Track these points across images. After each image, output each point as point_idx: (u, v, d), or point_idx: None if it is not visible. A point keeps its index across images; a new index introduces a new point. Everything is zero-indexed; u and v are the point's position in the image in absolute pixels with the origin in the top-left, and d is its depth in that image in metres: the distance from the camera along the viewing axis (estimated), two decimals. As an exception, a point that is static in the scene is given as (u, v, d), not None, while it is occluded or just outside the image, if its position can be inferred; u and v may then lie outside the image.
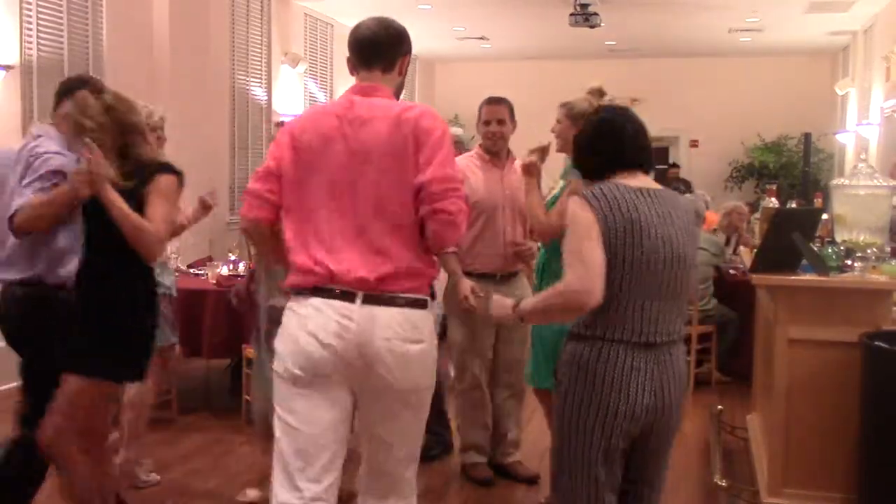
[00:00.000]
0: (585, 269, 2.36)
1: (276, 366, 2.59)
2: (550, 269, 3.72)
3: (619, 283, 2.40)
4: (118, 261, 3.09)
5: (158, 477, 4.36)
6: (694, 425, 5.40)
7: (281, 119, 9.53)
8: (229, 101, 9.13)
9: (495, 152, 4.35)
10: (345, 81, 10.93)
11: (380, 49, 2.69)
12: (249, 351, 5.20)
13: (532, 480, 4.46)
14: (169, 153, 7.18)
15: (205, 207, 4.34)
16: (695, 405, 5.84)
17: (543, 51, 13.86)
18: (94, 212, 3.07)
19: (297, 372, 2.53)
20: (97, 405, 3.21)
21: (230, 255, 6.32)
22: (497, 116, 4.32)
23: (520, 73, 14.35)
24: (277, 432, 2.58)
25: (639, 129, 2.60)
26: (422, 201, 2.51)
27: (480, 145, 4.42)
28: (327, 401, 2.55)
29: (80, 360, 3.09)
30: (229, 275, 5.69)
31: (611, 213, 2.40)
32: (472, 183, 4.22)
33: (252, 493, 4.12)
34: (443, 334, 4.34)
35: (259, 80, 9.78)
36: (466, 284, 3.77)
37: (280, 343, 2.59)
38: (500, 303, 2.67)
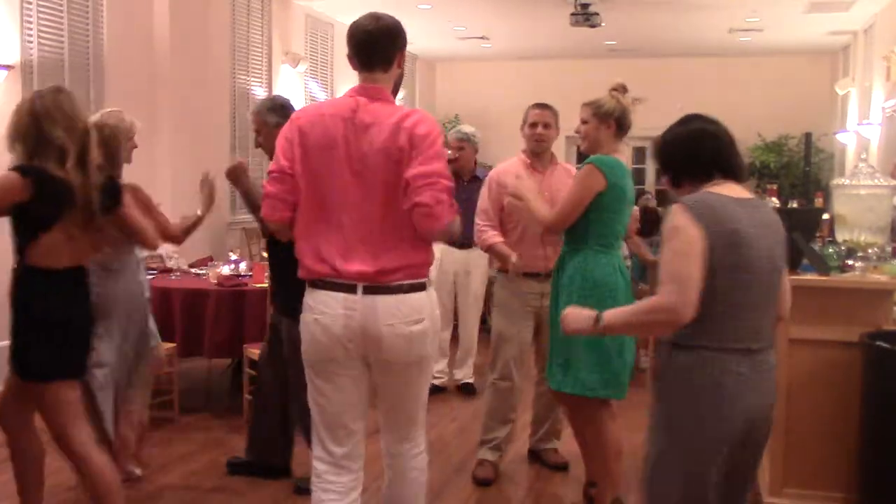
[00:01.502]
0: (682, 287, 2.34)
1: (302, 352, 2.94)
2: (567, 265, 3.75)
3: (721, 294, 2.39)
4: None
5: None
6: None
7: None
8: (230, 101, 9.14)
9: (538, 155, 4.41)
10: (345, 80, 10.92)
11: (377, 50, 2.88)
12: (251, 351, 5.21)
13: (562, 468, 4.53)
14: (168, 153, 7.18)
15: (209, 193, 4.32)
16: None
17: (544, 50, 13.86)
18: None
19: (314, 360, 2.91)
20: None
21: (231, 254, 6.33)
22: (543, 120, 4.40)
23: (520, 72, 14.36)
24: (310, 406, 2.99)
25: (731, 138, 2.58)
26: (405, 195, 2.76)
27: (524, 150, 4.48)
28: (342, 382, 2.91)
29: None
30: (230, 274, 5.69)
31: (714, 225, 2.37)
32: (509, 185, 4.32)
33: None
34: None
35: (260, 80, 9.78)
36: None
37: (301, 333, 2.93)
38: (577, 315, 2.62)
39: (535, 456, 4.73)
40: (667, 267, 2.38)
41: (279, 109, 4.16)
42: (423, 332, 2.87)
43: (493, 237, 4.34)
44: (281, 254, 3.78)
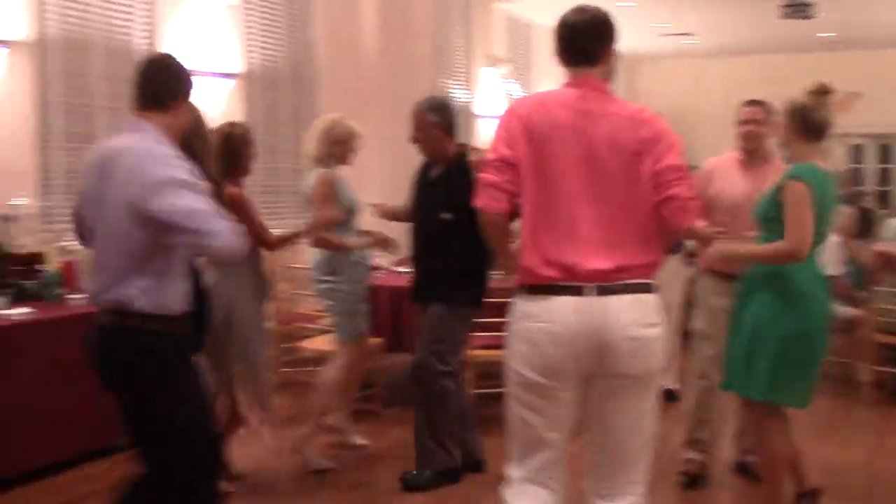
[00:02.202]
0: None
1: (514, 367, 2.71)
2: (762, 272, 3.65)
3: None
4: None
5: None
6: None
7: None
8: (433, 105, 9.35)
9: (749, 152, 4.36)
10: (545, 81, 10.94)
11: (583, 43, 2.74)
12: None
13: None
14: (378, 158, 7.38)
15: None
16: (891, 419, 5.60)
17: (750, 46, 13.31)
18: None
19: (535, 377, 2.66)
20: None
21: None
22: (753, 117, 4.35)
23: (724, 69, 13.89)
24: (513, 422, 2.76)
25: None
26: (656, 188, 2.64)
27: (738, 148, 4.44)
28: (558, 400, 2.68)
29: None
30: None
31: None
32: (718, 181, 4.34)
33: None
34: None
35: (461, 83, 9.96)
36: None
37: (515, 345, 2.71)
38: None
39: (741, 468, 4.60)
40: None
41: (440, 109, 4.25)
42: (657, 339, 2.68)
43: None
44: (466, 243, 3.95)
